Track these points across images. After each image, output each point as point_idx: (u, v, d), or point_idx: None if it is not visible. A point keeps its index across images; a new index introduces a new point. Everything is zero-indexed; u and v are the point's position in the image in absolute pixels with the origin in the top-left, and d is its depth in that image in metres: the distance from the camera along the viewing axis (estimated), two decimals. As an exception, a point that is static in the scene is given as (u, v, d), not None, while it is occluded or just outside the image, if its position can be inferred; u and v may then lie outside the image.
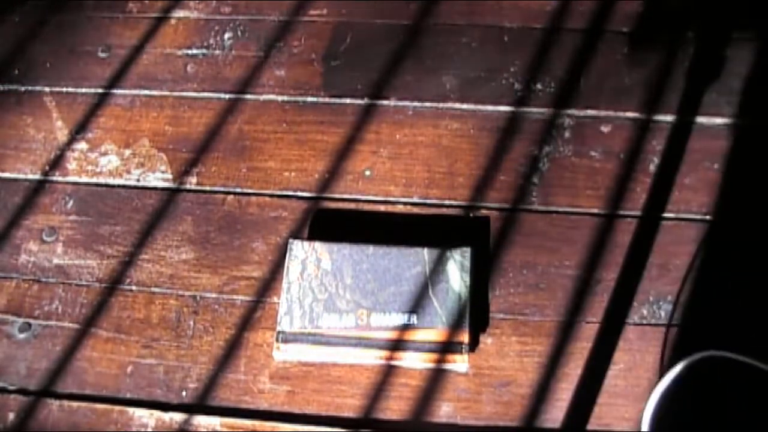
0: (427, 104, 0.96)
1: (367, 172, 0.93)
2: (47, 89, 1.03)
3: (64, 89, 1.03)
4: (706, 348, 0.78)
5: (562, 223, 0.88)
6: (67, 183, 0.96)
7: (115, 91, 1.02)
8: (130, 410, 0.82)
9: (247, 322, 0.86)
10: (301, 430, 0.79)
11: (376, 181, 0.92)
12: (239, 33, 1.04)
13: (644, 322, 0.82)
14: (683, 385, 0.78)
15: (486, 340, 0.82)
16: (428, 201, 0.90)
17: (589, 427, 0.77)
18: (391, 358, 0.80)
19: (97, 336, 0.86)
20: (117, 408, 0.82)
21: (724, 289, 0.82)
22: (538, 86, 0.96)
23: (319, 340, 0.80)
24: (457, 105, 0.96)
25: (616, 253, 0.85)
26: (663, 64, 0.95)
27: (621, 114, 0.93)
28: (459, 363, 0.79)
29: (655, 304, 0.82)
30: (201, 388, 0.83)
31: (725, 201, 0.87)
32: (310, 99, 0.98)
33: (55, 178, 0.96)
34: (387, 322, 0.81)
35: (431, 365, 0.79)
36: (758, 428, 0.75)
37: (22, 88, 1.03)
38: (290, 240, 0.85)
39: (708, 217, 0.86)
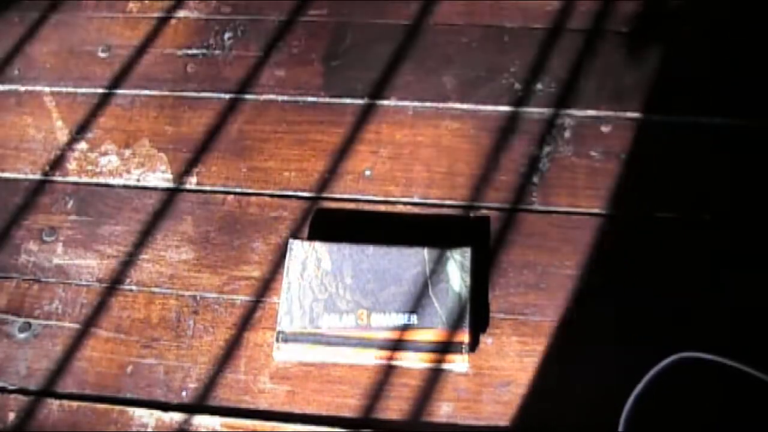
0: (427, 104, 0.96)
1: (367, 172, 0.93)
2: (47, 89, 1.03)
3: (64, 89, 1.03)
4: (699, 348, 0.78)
5: (562, 223, 0.88)
6: (67, 183, 0.96)
7: (115, 91, 1.02)
8: (130, 410, 0.82)
9: (247, 322, 0.86)
10: (301, 430, 0.79)
11: (376, 181, 0.92)
12: (239, 33, 1.04)
13: (643, 321, 0.81)
14: (661, 387, 0.77)
15: (486, 340, 0.82)
16: (428, 201, 0.90)
17: (589, 427, 0.77)
18: (391, 358, 0.80)
19: (97, 336, 0.86)
20: (117, 408, 0.82)
21: (724, 289, 0.82)
22: (538, 86, 0.96)
23: (319, 340, 0.80)
24: (457, 105, 0.96)
25: (615, 253, 0.85)
26: (663, 64, 0.95)
27: (621, 114, 0.93)
28: (459, 363, 0.79)
29: (654, 304, 0.82)
30: (201, 388, 0.83)
31: (725, 201, 0.87)
32: (310, 99, 0.98)
33: (55, 178, 0.96)
34: (387, 322, 0.81)
35: (431, 365, 0.79)
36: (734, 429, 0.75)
37: (22, 88, 1.03)
38: (290, 240, 0.86)
39: (708, 217, 0.86)
